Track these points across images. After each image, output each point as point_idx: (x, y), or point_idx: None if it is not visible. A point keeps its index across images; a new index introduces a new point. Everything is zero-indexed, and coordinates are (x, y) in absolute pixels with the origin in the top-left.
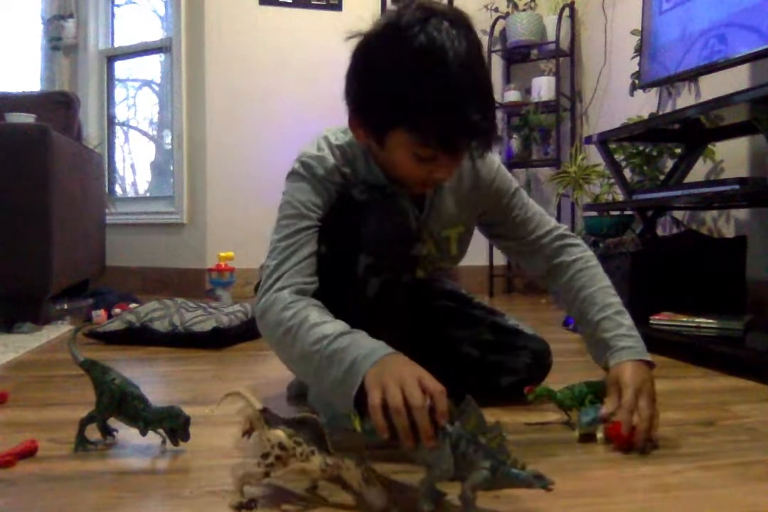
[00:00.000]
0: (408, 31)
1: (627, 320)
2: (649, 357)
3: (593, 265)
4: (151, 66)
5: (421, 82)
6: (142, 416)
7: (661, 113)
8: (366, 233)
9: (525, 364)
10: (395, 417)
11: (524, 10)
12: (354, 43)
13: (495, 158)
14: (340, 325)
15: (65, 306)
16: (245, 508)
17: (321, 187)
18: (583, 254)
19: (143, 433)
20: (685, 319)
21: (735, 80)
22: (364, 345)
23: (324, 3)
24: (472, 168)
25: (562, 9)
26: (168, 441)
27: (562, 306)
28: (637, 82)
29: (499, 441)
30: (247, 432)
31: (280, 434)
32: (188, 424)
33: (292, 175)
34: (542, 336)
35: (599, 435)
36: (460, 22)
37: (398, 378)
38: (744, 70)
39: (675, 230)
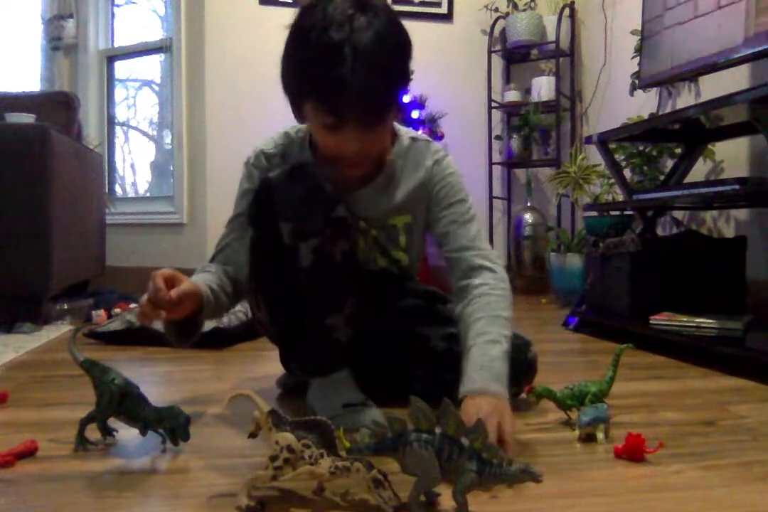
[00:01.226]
0: (310, 10)
1: (495, 350)
2: (498, 389)
3: (496, 294)
4: (151, 66)
5: (307, 53)
6: (142, 416)
7: (661, 113)
8: (279, 202)
9: None
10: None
11: (524, 10)
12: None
13: (455, 166)
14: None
15: (65, 306)
16: (252, 511)
17: (249, 175)
18: (492, 281)
19: (143, 433)
20: (685, 319)
21: (735, 80)
22: None
23: None
24: (426, 165)
25: (562, 9)
26: (168, 441)
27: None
28: (637, 82)
29: (482, 441)
30: (254, 434)
31: (288, 436)
32: (188, 424)
33: None
34: (528, 335)
35: (599, 435)
36: (370, 7)
37: None
38: (744, 70)
39: (675, 230)
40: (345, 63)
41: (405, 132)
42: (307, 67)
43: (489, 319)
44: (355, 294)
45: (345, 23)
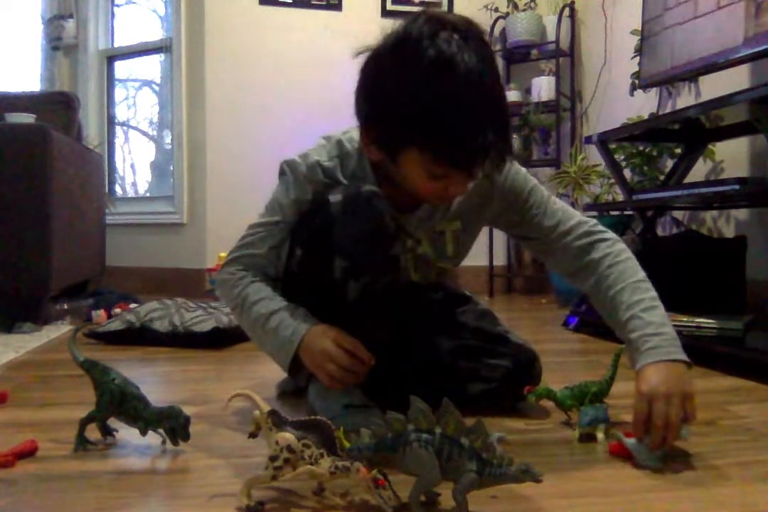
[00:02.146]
0: (417, 45)
1: (656, 317)
2: (680, 354)
3: (622, 260)
4: (151, 66)
5: (431, 101)
6: (142, 416)
7: (661, 113)
8: (339, 236)
9: (502, 372)
10: (337, 378)
11: (524, 10)
12: (362, 58)
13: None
14: (273, 303)
15: (65, 306)
16: (252, 511)
17: (299, 185)
18: (611, 249)
19: (143, 433)
20: (685, 319)
21: (735, 80)
22: (288, 325)
23: (324, 3)
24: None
25: (562, 9)
26: (168, 441)
27: (597, 310)
28: (637, 82)
29: (483, 440)
30: (254, 434)
31: (288, 436)
32: (188, 424)
33: (279, 175)
34: (531, 344)
35: (599, 435)
36: (472, 33)
37: (322, 351)
38: (744, 70)
39: (675, 230)
40: (485, 121)
41: None
42: (433, 118)
43: (632, 288)
44: (392, 323)
45: (472, 67)
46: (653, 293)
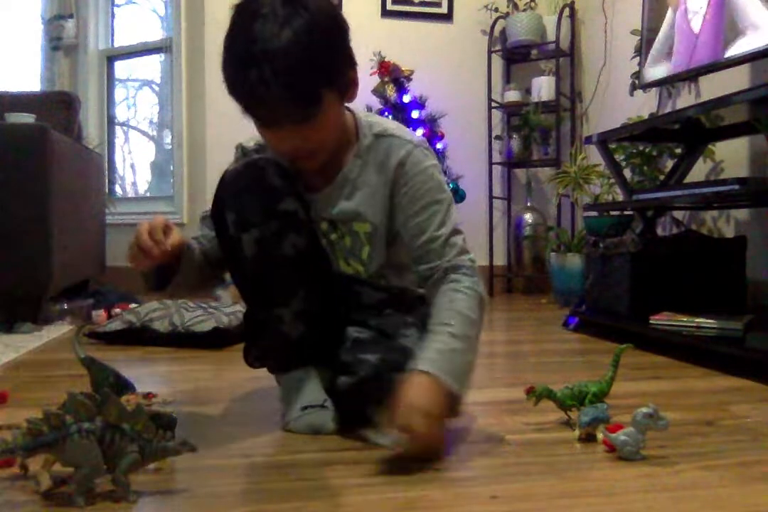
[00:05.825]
0: (240, 6)
1: (456, 343)
2: (450, 381)
3: (466, 293)
4: (151, 66)
5: (227, 52)
6: None
7: (661, 113)
8: (226, 193)
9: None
10: (134, 256)
11: (524, 10)
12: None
13: (427, 160)
14: None
15: (65, 306)
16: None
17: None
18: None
19: None
20: (685, 319)
21: (735, 80)
22: None
23: None
24: (390, 167)
25: (562, 9)
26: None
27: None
28: (637, 82)
29: (143, 423)
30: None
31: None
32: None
33: None
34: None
35: (599, 435)
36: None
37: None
38: (744, 70)
39: (675, 230)
40: (252, 67)
41: (370, 128)
42: (224, 67)
43: (453, 311)
44: (310, 291)
45: (270, 27)
46: (471, 330)
